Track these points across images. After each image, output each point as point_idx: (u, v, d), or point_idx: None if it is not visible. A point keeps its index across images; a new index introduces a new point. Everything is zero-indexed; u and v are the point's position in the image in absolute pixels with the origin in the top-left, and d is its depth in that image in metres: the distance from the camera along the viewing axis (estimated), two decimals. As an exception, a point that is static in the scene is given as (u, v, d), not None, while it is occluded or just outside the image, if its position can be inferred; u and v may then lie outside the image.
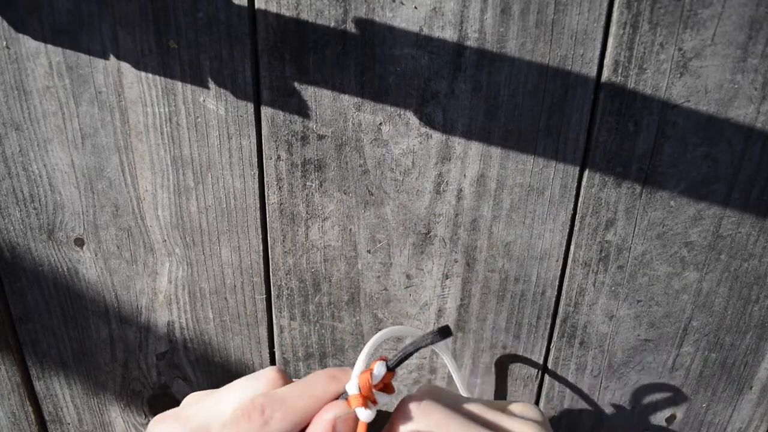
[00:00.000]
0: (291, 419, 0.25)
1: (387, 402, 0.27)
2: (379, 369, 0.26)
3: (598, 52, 0.29)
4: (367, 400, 0.26)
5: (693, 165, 0.32)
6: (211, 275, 0.36)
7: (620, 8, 0.28)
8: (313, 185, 0.33)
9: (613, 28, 0.29)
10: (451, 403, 0.28)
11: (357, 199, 0.33)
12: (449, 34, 0.29)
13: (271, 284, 0.36)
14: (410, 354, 0.27)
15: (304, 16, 0.29)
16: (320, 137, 0.32)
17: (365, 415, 0.26)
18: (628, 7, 0.28)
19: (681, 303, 0.35)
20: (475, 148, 0.32)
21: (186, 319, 0.37)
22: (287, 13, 0.29)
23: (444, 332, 0.27)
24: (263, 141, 0.32)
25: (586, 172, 0.32)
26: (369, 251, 0.35)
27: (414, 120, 0.31)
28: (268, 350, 0.38)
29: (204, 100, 0.31)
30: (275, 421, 0.25)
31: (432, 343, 0.27)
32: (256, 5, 0.29)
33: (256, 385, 0.27)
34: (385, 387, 0.27)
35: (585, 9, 0.28)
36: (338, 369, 0.28)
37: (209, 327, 0.37)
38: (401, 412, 0.27)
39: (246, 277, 0.36)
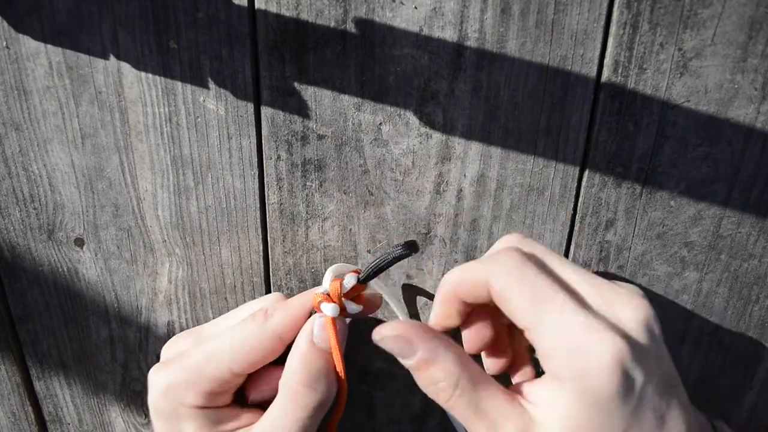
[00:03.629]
0: (288, 315, 0.29)
1: (357, 310, 0.30)
2: (348, 280, 0.30)
3: (598, 52, 0.29)
4: (335, 302, 0.30)
5: (693, 165, 0.32)
6: (211, 275, 0.36)
7: (620, 8, 0.28)
8: (313, 185, 0.33)
9: (613, 28, 0.29)
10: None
11: (357, 199, 0.33)
12: (449, 34, 0.29)
13: (271, 284, 0.36)
14: (380, 269, 0.29)
15: (304, 16, 0.29)
16: (320, 137, 0.32)
17: (330, 309, 0.29)
18: (628, 7, 0.28)
19: (681, 303, 0.35)
20: (475, 148, 0.32)
21: (186, 319, 0.37)
22: (287, 13, 0.29)
23: (411, 246, 0.29)
24: (263, 141, 0.32)
25: (586, 172, 0.32)
26: (369, 251, 0.35)
27: (414, 120, 0.31)
28: (268, 350, 0.38)
29: (204, 100, 0.31)
30: (276, 317, 0.29)
31: (400, 257, 0.29)
32: (256, 5, 0.29)
33: (263, 303, 0.31)
34: (356, 299, 0.31)
35: (585, 9, 0.28)
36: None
37: (209, 327, 0.37)
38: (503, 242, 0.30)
39: (246, 277, 0.36)
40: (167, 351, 0.32)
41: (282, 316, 0.29)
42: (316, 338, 0.28)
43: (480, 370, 0.26)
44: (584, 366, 0.23)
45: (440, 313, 0.29)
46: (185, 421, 0.28)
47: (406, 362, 0.26)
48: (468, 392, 0.25)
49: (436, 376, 0.26)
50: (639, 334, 0.24)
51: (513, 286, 0.25)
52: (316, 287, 0.32)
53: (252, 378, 0.31)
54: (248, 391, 0.31)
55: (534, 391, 0.25)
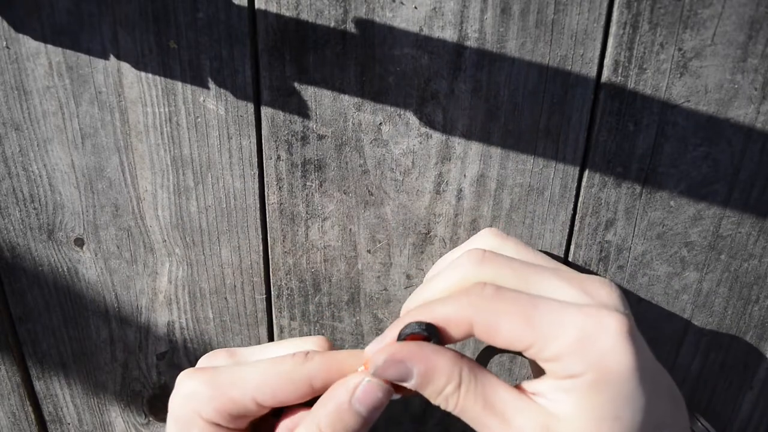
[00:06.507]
0: (327, 365, 0.27)
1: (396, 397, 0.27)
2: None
3: (598, 52, 0.29)
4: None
5: (693, 165, 0.32)
6: (211, 275, 0.36)
7: (620, 8, 0.28)
8: (313, 185, 0.33)
9: (613, 28, 0.29)
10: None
11: (357, 199, 0.33)
12: (449, 34, 0.29)
13: (271, 284, 0.36)
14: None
15: (304, 16, 0.29)
16: (320, 137, 0.32)
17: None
18: (628, 7, 0.28)
19: (681, 303, 0.35)
20: (475, 148, 0.32)
21: (186, 319, 0.37)
22: (287, 13, 0.29)
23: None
24: (263, 141, 0.32)
25: (586, 172, 0.32)
26: (369, 251, 0.35)
27: (414, 120, 0.31)
28: (268, 350, 0.38)
29: (204, 100, 0.31)
30: (314, 363, 0.27)
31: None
32: (256, 5, 0.29)
33: (306, 344, 0.30)
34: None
35: (585, 9, 0.28)
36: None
37: (209, 327, 0.37)
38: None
39: (246, 277, 0.36)
40: (204, 361, 0.31)
41: (320, 364, 0.27)
42: (356, 400, 0.26)
43: (480, 366, 0.26)
44: (598, 352, 0.23)
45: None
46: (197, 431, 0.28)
47: (409, 384, 0.25)
48: (473, 387, 0.25)
49: (439, 385, 0.25)
50: (623, 308, 0.25)
51: (499, 314, 0.25)
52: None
53: (282, 416, 0.30)
54: (275, 429, 0.30)
55: (542, 387, 0.25)
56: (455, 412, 0.25)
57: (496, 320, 0.24)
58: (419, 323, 0.25)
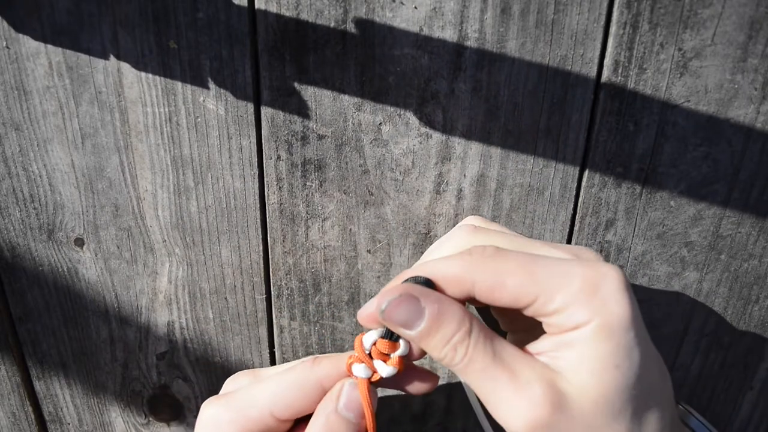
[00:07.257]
0: (335, 365, 0.28)
1: (391, 373, 0.26)
2: (369, 335, 0.27)
3: (598, 52, 0.29)
4: (363, 362, 0.27)
5: (693, 165, 0.32)
6: (211, 275, 0.36)
7: (620, 8, 0.28)
8: (313, 185, 0.33)
9: (613, 28, 0.29)
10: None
11: (357, 199, 0.33)
12: (449, 34, 0.29)
13: (271, 284, 0.36)
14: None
15: (304, 16, 0.29)
16: (320, 137, 0.32)
17: (360, 370, 0.27)
18: (628, 7, 0.28)
19: (681, 303, 0.35)
20: (475, 148, 0.32)
21: (186, 319, 0.37)
22: (287, 13, 0.29)
23: None
24: (263, 141, 0.32)
25: (586, 172, 0.32)
26: (369, 251, 0.35)
27: (414, 120, 0.31)
28: (268, 350, 0.38)
29: (204, 100, 0.31)
30: (322, 366, 0.28)
31: None
32: (256, 5, 0.29)
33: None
34: (396, 362, 0.27)
35: (585, 9, 0.28)
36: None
37: (209, 327, 0.37)
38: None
39: (246, 277, 0.36)
40: (227, 386, 0.31)
41: (328, 366, 0.27)
42: (342, 407, 0.26)
43: (483, 323, 0.26)
44: (602, 300, 0.23)
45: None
46: None
47: (415, 330, 0.24)
48: (483, 339, 0.24)
49: (448, 332, 0.24)
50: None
51: (503, 271, 0.25)
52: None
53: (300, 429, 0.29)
54: None
55: (543, 346, 0.25)
56: (461, 365, 0.24)
57: (500, 277, 0.24)
58: (416, 278, 0.25)
